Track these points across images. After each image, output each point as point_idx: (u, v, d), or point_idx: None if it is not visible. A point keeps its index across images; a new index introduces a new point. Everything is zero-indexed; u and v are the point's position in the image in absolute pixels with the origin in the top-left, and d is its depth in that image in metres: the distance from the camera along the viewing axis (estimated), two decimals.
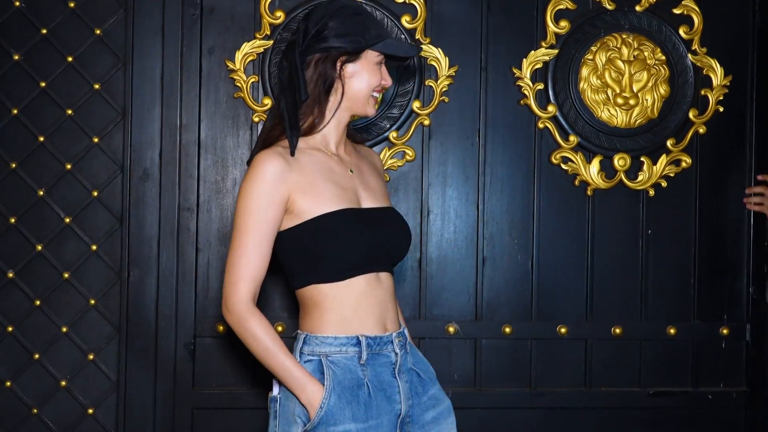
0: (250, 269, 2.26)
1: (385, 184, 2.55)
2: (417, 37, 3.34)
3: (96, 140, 3.29)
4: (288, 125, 2.34)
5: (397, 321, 2.42)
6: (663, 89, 3.43)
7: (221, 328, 3.28)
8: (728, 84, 3.46)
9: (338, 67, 2.34)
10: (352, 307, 2.32)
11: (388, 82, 2.41)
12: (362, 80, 2.37)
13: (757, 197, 3.44)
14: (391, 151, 3.35)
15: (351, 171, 2.42)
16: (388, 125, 3.34)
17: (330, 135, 2.40)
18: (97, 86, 3.29)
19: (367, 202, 2.40)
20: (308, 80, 2.34)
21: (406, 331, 2.44)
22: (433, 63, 3.35)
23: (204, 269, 3.30)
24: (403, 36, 3.31)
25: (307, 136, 2.37)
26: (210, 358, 3.31)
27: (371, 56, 2.36)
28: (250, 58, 3.30)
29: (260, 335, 2.25)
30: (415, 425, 2.37)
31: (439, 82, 3.36)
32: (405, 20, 3.33)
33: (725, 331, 3.49)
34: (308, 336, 2.32)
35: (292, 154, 2.33)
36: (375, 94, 2.40)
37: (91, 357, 3.30)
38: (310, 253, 2.31)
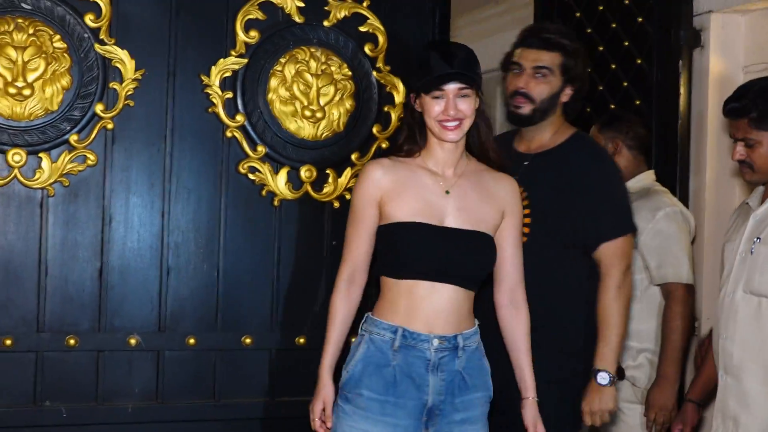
0: (349, 254, 2.84)
1: (498, 212, 2.88)
2: (101, 37, 3.21)
3: None
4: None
5: (452, 328, 2.78)
6: (349, 104, 3.52)
7: None
8: None
9: (416, 101, 2.83)
10: (403, 303, 2.77)
11: (446, 110, 2.77)
12: (427, 113, 2.80)
13: None
14: (71, 155, 3.19)
15: (447, 192, 2.82)
16: (69, 127, 3.17)
17: (431, 156, 2.85)
18: None
19: (453, 222, 2.81)
20: (404, 112, 2.96)
21: (462, 339, 2.79)
22: (118, 65, 3.23)
23: None
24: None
25: (411, 158, 2.85)
26: None
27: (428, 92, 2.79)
28: None
29: (330, 307, 2.85)
30: (443, 419, 2.77)
31: (124, 85, 3.24)
32: (89, 19, 3.19)
33: None
34: (368, 316, 2.83)
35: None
36: (445, 122, 2.77)
37: None
38: (385, 251, 2.83)
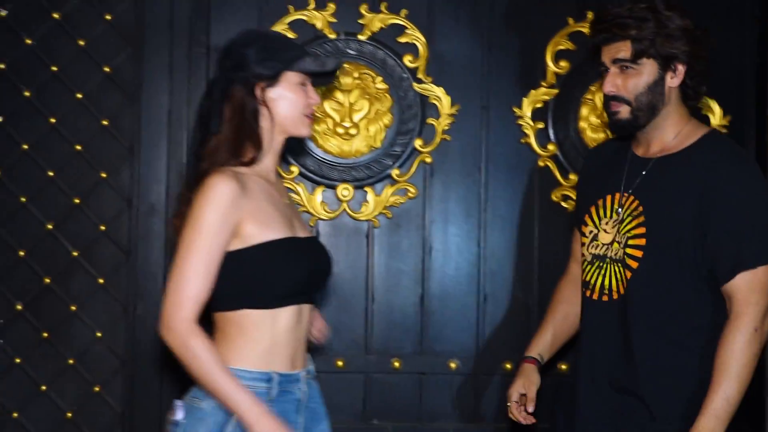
0: (196, 288, 2.23)
1: None
2: (419, 76, 3.40)
3: (104, 175, 3.35)
4: (194, 157, 2.39)
5: (306, 356, 2.43)
6: None
7: None
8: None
9: (258, 94, 2.36)
10: (272, 340, 2.31)
11: (314, 100, 2.44)
12: (288, 103, 2.39)
13: None
14: (393, 188, 3.40)
15: (286, 201, 2.47)
16: (391, 162, 3.39)
17: (269, 163, 2.44)
18: (105, 122, 3.36)
19: (301, 232, 2.43)
20: (232, 113, 2.36)
21: (312, 367, 2.46)
22: (435, 102, 3.41)
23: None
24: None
25: (250, 167, 2.38)
26: None
27: (292, 78, 2.39)
28: None
29: (202, 355, 2.21)
30: None
31: (440, 120, 3.42)
32: (407, 60, 3.40)
33: None
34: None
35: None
36: (307, 114, 2.43)
37: (97, 389, 3.34)
38: (250, 278, 2.31)
